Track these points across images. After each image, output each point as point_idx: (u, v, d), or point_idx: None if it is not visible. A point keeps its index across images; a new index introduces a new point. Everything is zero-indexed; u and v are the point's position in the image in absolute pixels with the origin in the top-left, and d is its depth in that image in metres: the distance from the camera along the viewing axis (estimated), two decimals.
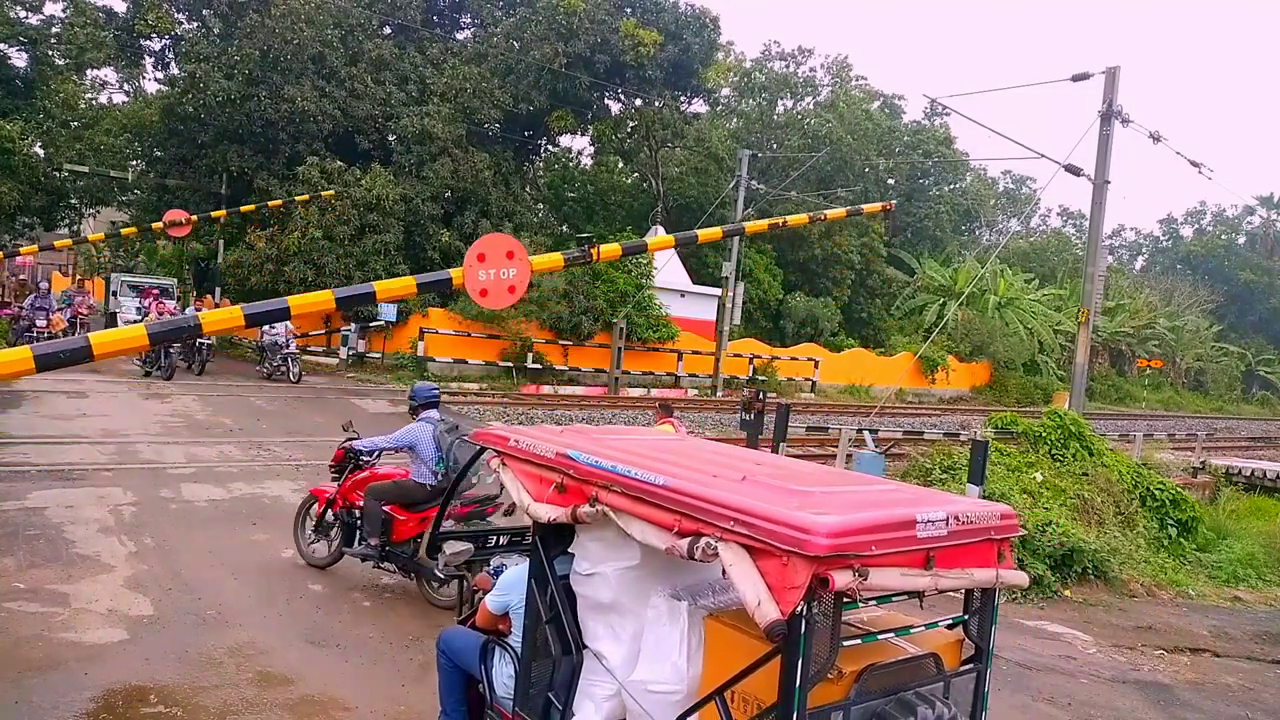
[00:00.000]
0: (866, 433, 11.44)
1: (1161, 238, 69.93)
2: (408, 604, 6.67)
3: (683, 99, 30.61)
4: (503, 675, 3.65)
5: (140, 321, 25.35)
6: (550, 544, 3.36)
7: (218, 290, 28.23)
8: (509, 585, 3.75)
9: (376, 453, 7.11)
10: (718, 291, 29.96)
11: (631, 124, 30.54)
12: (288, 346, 19.78)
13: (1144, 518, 12.01)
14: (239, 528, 8.09)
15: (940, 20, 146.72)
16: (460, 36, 30.72)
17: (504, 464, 3.57)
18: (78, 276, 32.23)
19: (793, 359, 32.43)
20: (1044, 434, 12.93)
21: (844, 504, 2.70)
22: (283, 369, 19.58)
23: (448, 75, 25.96)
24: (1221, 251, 62.51)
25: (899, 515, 2.62)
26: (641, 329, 27.30)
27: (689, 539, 2.61)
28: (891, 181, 42.02)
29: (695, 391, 27.93)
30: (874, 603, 3.04)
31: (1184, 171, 62.75)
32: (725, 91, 37.77)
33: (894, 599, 2.89)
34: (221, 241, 27.19)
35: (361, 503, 6.79)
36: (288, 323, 19.56)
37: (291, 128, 24.28)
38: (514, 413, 18.35)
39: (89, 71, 28.40)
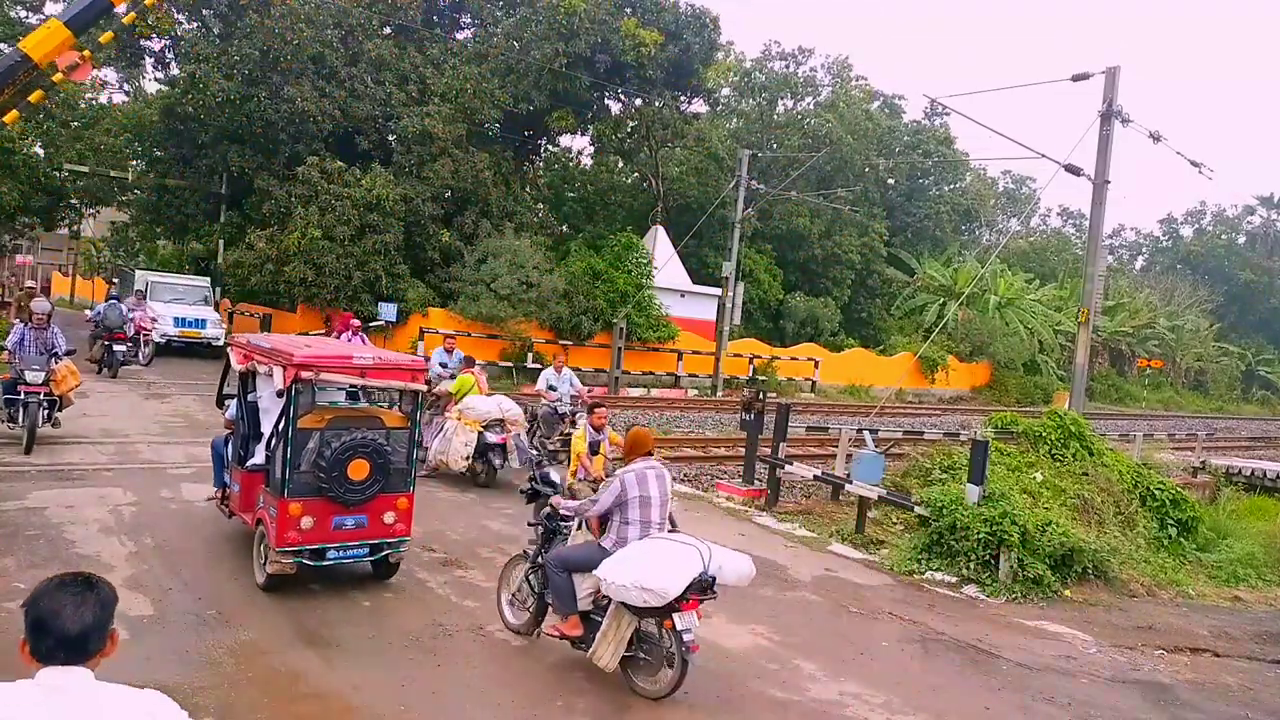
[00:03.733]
0: (866, 433, 11.42)
1: (1161, 238, 69.86)
2: (407, 604, 6.68)
3: (683, 99, 30.57)
4: (231, 450, 7.39)
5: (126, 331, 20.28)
6: (246, 384, 7.27)
7: (218, 290, 28.15)
8: (233, 406, 7.50)
9: (98, 313, 17.00)
10: (718, 291, 29.93)
11: (631, 124, 30.50)
12: (570, 418, 12.54)
13: (1144, 518, 11.98)
14: (239, 528, 8.07)
15: (940, 20, 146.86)
16: (460, 36, 30.71)
17: (231, 349, 7.46)
18: (113, 281, 27.65)
19: (793, 359, 32.41)
20: (1044, 434, 12.89)
21: (324, 352, 6.58)
22: (537, 458, 11.16)
23: (448, 75, 25.93)
24: (1221, 251, 62.49)
25: (343, 353, 6.75)
26: (641, 329, 27.27)
27: (270, 367, 6.46)
28: (891, 181, 41.98)
29: (695, 392, 27.90)
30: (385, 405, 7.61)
31: (1184, 171, 62.78)
32: (725, 91, 37.71)
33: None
34: (222, 241, 27.17)
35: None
36: (574, 379, 13.59)
37: (291, 128, 24.27)
38: None
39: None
